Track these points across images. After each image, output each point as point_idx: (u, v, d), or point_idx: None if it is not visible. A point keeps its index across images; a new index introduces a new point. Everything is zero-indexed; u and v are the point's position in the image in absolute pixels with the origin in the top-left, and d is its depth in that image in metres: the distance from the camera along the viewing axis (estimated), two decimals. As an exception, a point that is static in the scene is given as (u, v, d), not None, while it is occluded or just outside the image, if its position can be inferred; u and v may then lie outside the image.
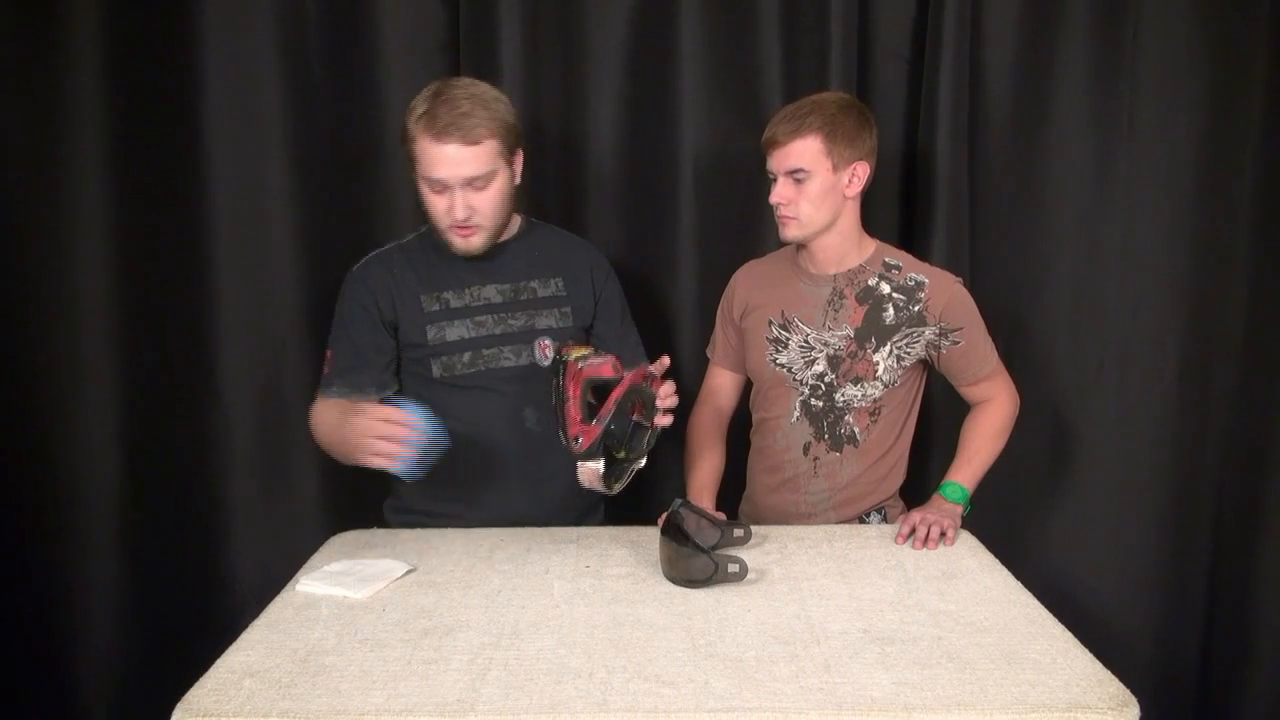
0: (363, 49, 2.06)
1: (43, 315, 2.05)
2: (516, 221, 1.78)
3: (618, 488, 1.53)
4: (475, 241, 1.66)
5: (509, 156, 1.65)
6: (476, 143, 1.58)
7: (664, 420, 1.53)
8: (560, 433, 1.48)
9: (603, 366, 1.50)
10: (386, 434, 1.44)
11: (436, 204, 1.63)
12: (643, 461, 1.54)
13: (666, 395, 1.53)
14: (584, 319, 1.79)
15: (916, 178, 2.15)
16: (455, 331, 1.71)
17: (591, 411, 1.48)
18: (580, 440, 1.46)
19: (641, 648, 1.24)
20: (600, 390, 1.51)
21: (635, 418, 1.51)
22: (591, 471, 1.49)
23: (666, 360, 1.57)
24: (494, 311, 1.73)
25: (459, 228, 1.64)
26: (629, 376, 1.50)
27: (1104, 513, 2.25)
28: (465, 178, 1.59)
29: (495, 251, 1.72)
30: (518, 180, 1.70)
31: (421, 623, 1.32)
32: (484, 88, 1.64)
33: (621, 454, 1.51)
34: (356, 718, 1.08)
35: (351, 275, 1.75)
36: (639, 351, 1.83)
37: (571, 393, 1.47)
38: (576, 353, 1.51)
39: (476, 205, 1.62)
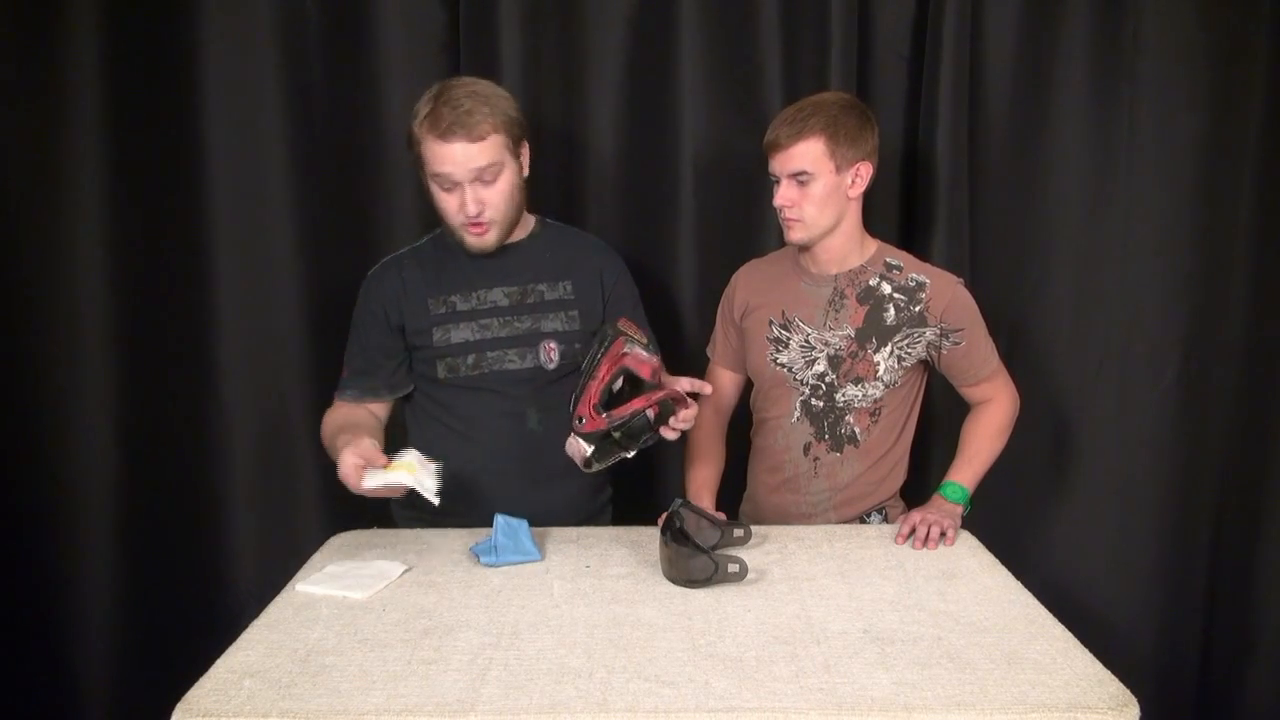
0: (363, 49, 2.06)
1: (42, 315, 2.05)
2: (530, 222, 1.79)
3: (596, 468, 1.55)
4: (489, 238, 1.69)
5: (515, 149, 1.67)
6: (481, 138, 1.60)
7: (668, 433, 1.55)
8: (573, 399, 1.50)
9: (644, 365, 1.52)
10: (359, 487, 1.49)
11: (447, 203, 1.65)
12: (630, 454, 1.56)
13: (684, 419, 1.55)
14: (592, 322, 1.79)
15: (916, 178, 2.15)
16: (460, 334, 1.72)
17: (610, 399, 1.50)
18: (584, 422, 1.48)
19: (641, 648, 1.24)
20: (631, 382, 1.52)
21: (648, 412, 1.53)
22: (579, 449, 1.51)
23: (709, 389, 1.59)
24: (500, 315, 1.74)
25: (471, 225, 1.66)
26: (662, 393, 1.51)
27: (1104, 512, 2.25)
28: (472, 172, 1.61)
29: (506, 253, 1.74)
30: (525, 173, 1.71)
31: (421, 623, 1.32)
32: (484, 84, 1.67)
33: (618, 434, 1.53)
34: (356, 718, 1.08)
35: (365, 280, 1.78)
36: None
37: (603, 372, 1.49)
38: (631, 334, 1.52)
39: (486, 199, 1.64)
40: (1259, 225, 2.16)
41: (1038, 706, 1.10)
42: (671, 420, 1.54)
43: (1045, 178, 2.16)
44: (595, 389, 1.48)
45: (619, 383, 1.52)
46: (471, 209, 1.63)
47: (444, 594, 1.43)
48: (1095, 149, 2.15)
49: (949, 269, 1.86)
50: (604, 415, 1.48)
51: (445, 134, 1.59)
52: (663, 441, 1.57)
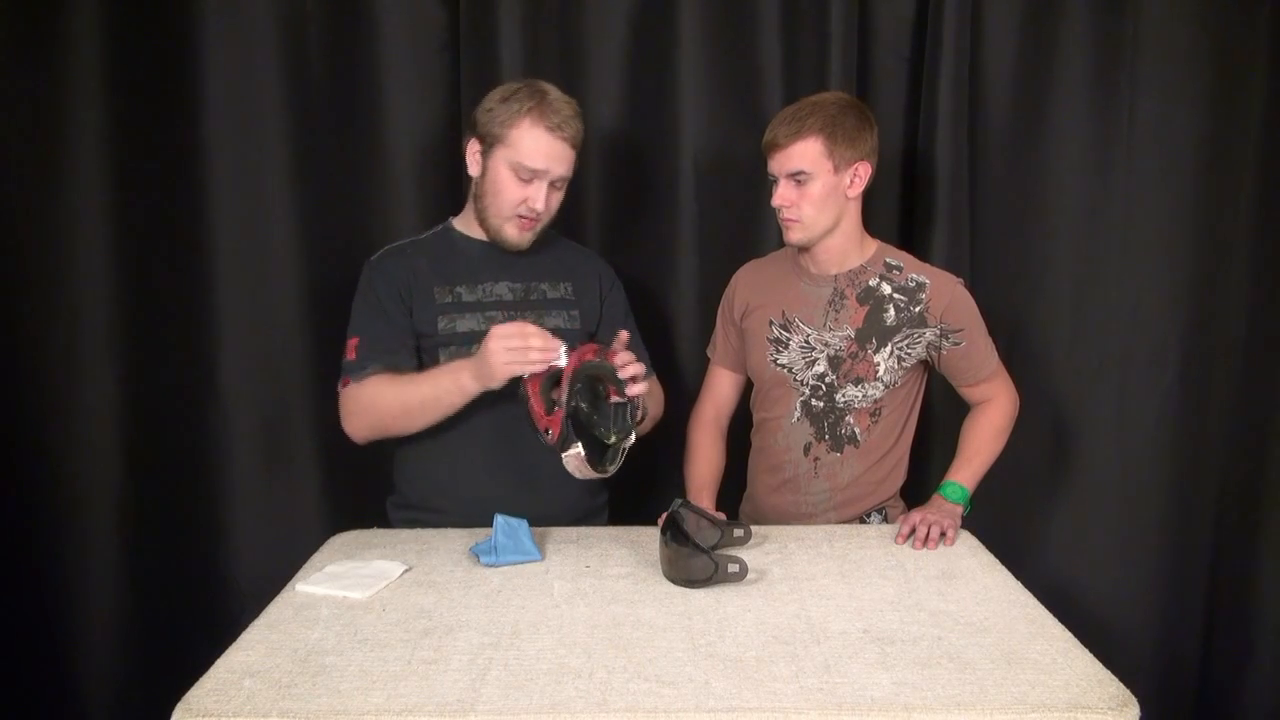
0: (363, 49, 2.06)
1: (42, 315, 2.04)
2: None
3: (612, 468, 1.56)
4: (529, 236, 1.74)
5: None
6: (577, 146, 1.70)
7: (636, 389, 1.57)
8: (537, 438, 1.53)
9: (555, 365, 1.54)
10: (530, 343, 1.53)
11: (516, 191, 1.69)
12: (631, 439, 1.57)
13: (625, 364, 1.57)
14: (590, 324, 1.82)
15: (916, 178, 2.15)
16: (466, 324, 1.73)
17: (554, 403, 1.52)
18: (550, 432, 1.51)
19: (641, 648, 1.24)
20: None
21: (613, 400, 1.55)
22: (576, 459, 1.53)
23: (625, 335, 1.61)
24: (504, 308, 1.75)
25: (524, 218, 1.70)
26: (574, 355, 1.53)
27: (1104, 512, 2.25)
28: (559, 175, 1.69)
29: (513, 251, 1.76)
30: None
31: (421, 623, 1.32)
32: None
33: (612, 439, 1.55)
34: (356, 718, 1.09)
35: (371, 264, 1.78)
36: (644, 360, 1.83)
37: (530, 391, 1.52)
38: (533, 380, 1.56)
39: (551, 203, 1.72)
40: (1259, 225, 2.16)
41: (1038, 706, 1.10)
42: (620, 375, 1.55)
43: (1045, 178, 2.16)
44: (536, 406, 1.52)
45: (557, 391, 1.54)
46: (539, 205, 1.69)
47: (444, 594, 1.43)
48: (1095, 149, 2.15)
49: (949, 269, 1.86)
50: (555, 410, 1.50)
51: (556, 129, 1.65)
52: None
